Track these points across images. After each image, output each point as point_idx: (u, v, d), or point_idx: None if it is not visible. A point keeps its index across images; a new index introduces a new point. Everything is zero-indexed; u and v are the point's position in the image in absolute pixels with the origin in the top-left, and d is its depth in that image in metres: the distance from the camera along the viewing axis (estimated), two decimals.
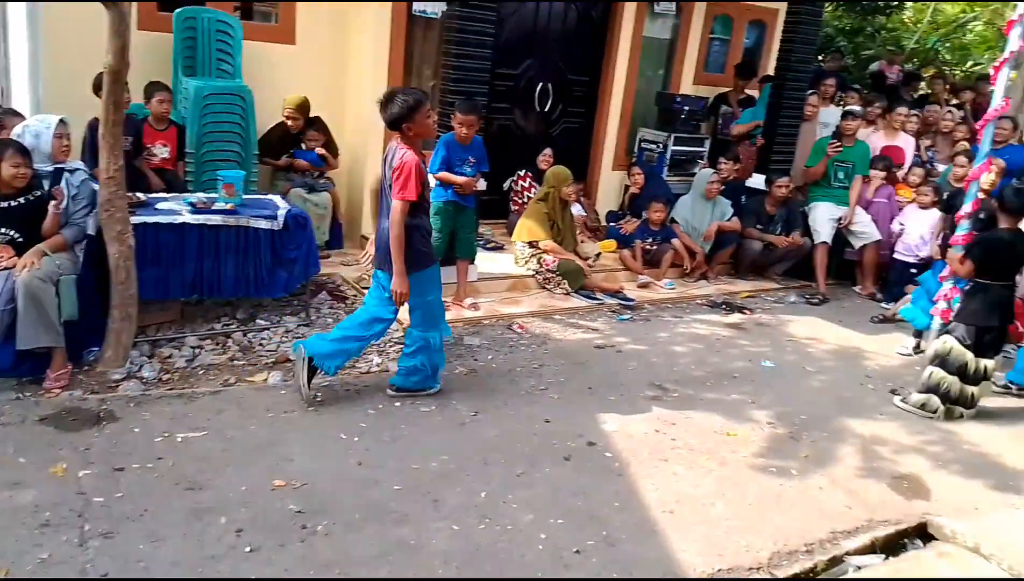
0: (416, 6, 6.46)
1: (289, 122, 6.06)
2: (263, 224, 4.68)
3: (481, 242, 6.56)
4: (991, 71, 4.58)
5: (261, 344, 4.66)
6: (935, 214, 6.38)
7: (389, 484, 3.29)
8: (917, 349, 5.52)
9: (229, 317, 4.93)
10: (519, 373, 4.58)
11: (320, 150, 6.14)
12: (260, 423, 3.71)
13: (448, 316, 5.19)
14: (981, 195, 4.76)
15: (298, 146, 6.15)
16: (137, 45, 4.31)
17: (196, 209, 4.56)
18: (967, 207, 4.65)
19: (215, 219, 4.54)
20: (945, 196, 6.15)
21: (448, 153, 5.14)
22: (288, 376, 4.25)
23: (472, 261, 5.62)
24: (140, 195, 4.64)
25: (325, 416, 3.84)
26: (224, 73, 5.87)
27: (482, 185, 5.60)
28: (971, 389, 4.54)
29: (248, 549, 2.80)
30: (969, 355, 4.52)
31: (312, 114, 6.20)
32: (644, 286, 6.51)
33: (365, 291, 5.57)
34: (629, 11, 7.63)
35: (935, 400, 4.59)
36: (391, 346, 4.82)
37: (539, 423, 3.98)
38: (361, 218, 6.74)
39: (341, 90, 6.69)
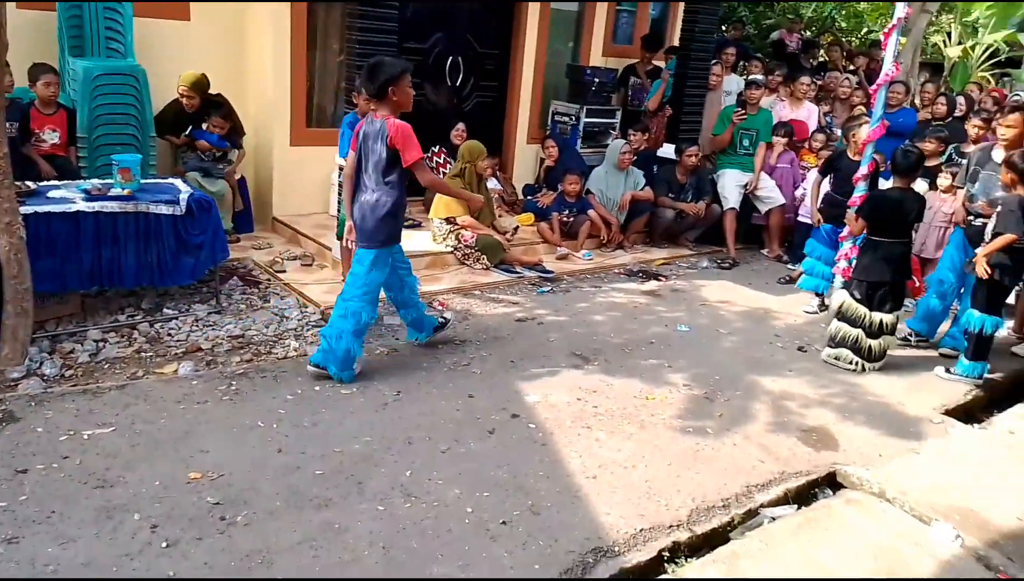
0: None
1: (184, 101, 5.78)
2: (164, 209, 4.48)
3: None
4: (882, 37, 4.76)
5: (170, 334, 4.48)
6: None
7: (311, 469, 3.23)
8: (822, 306, 5.77)
9: (134, 308, 4.72)
10: (441, 350, 4.56)
11: (218, 130, 5.88)
12: (172, 415, 3.58)
13: None
14: (852, 155, 4.93)
15: (197, 126, 5.88)
16: (18, 25, 4.07)
17: (91, 196, 4.33)
18: (863, 169, 4.86)
19: (112, 206, 4.32)
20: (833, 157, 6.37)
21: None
22: (200, 366, 4.11)
23: None
24: (29, 184, 4.38)
25: (241, 405, 3.73)
26: (114, 52, 5.57)
27: None
28: (870, 342, 4.78)
29: (164, 545, 2.71)
30: (863, 309, 4.75)
31: (214, 93, 5.94)
32: (563, 258, 6.57)
33: (278, 276, 5.46)
34: None
35: (847, 353, 4.82)
36: (309, 330, 4.72)
37: (462, 399, 3.98)
38: (271, 200, 6.54)
39: (241, 67, 6.45)
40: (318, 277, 5.55)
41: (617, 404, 4.09)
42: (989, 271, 4.47)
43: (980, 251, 4.51)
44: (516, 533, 2.94)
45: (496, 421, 3.78)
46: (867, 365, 4.81)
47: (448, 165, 6.79)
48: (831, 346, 4.90)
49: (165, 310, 4.74)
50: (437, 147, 6.99)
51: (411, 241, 6.13)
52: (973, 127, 6.00)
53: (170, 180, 5.01)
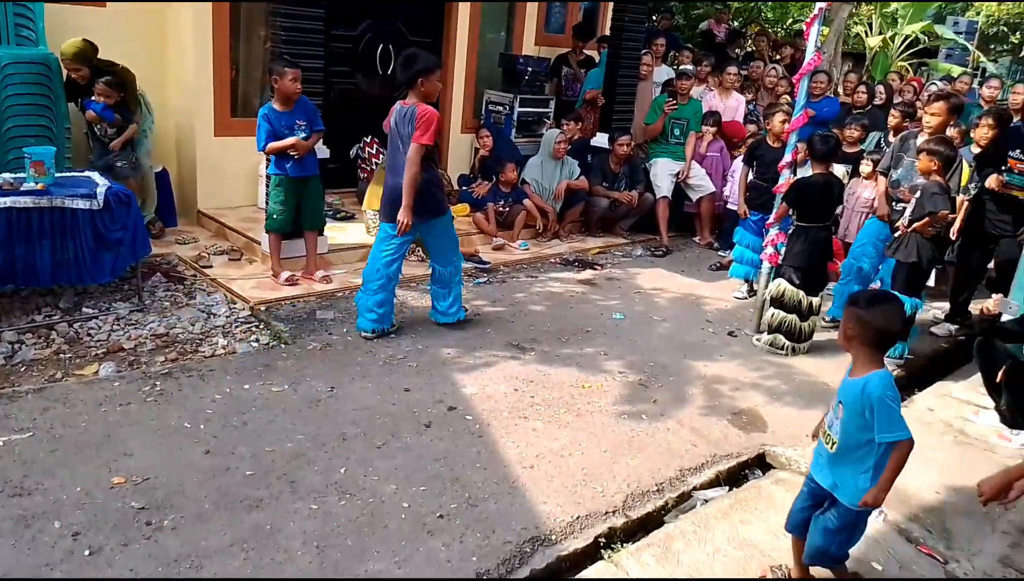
0: None
1: (73, 75, 5.36)
2: (81, 204, 4.28)
3: (330, 212, 6.37)
4: (804, 27, 4.88)
5: (89, 334, 4.30)
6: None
7: (241, 470, 3.15)
8: (751, 292, 5.91)
9: (51, 307, 4.52)
10: (375, 344, 4.50)
11: (104, 100, 5.30)
12: (93, 419, 3.43)
13: (298, 290, 5.07)
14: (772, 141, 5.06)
15: (89, 95, 5.39)
16: None
17: (2, 191, 4.11)
18: (787, 157, 4.98)
19: (24, 201, 4.11)
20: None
21: (272, 124, 4.89)
22: (122, 366, 3.96)
23: (321, 232, 5.44)
24: None
25: (166, 406, 3.61)
26: (25, 40, 5.27)
27: (324, 152, 5.40)
28: (803, 324, 4.94)
29: (87, 552, 2.61)
30: (801, 294, 4.91)
31: (111, 61, 5.46)
32: (499, 248, 6.56)
33: (204, 271, 5.29)
34: None
35: (781, 338, 4.97)
36: (236, 327, 4.59)
37: (398, 393, 3.94)
38: (196, 193, 6.33)
39: (161, 55, 6.21)
40: (247, 272, 5.40)
41: (554, 393, 4.11)
42: (927, 232, 4.61)
43: (917, 224, 4.62)
44: (453, 526, 2.93)
45: (433, 414, 3.75)
46: (797, 346, 4.96)
47: (381, 155, 6.69)
48: (767, 332, 5.03)
49: (84, 309, 4.54)
50: (370, 137, 6.88)
51: (345, 233, 6.08)
52: (893, 117, 6.21)
53: (86, 173, 4.80)
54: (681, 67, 7.90)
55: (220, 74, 6.16)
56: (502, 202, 6.80)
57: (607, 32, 8.34)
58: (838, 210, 5.66)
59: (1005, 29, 17.61)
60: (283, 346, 4.37)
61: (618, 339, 4.96)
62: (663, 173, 7.32)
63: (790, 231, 5.05)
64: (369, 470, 3.23)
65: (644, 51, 7.76)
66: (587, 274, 6.30)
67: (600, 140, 7.51)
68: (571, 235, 7.25)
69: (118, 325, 4.43)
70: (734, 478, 3.58)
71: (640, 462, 3.52)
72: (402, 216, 4.35)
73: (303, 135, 4.95)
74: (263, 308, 4.84)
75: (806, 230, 4.92)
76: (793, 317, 4.95)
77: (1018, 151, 5.11)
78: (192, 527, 2.79)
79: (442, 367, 4.29)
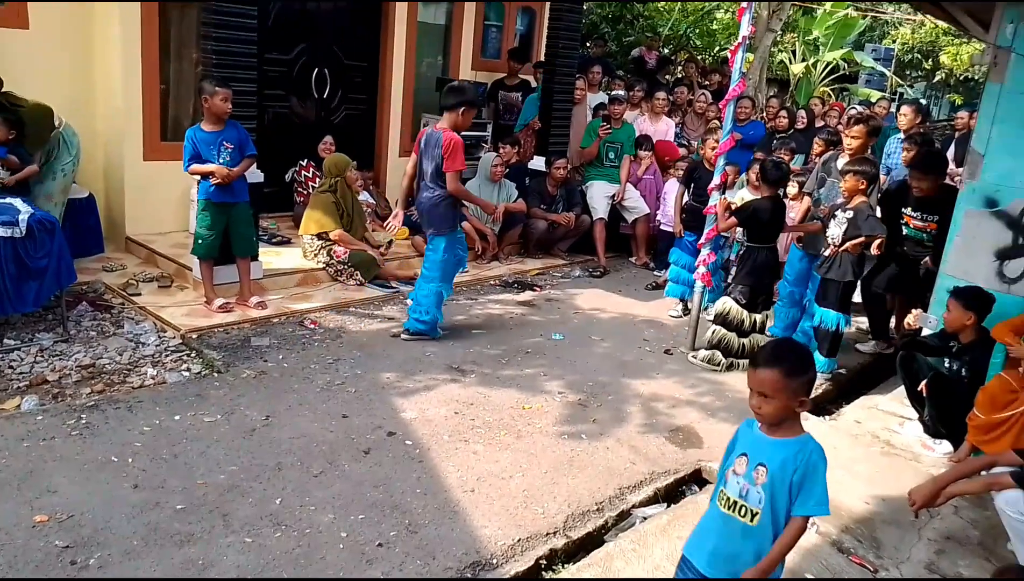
0: None
1: None
2: (1, 231, 4.12)
3: (266, 237, 6.27)
4: (729, 55, 5.06)
5: (11, 366, 4.13)
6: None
7: (171, 504, 3.05)
8: (685, 311, 6.04)
9: None
10: (313, 370, 4.43)
11: None
12: (14, 454, 3.28)
13: (231, 317, 4.96)
14: (707, 166, 5.25)
15: None
16: None
17: None
18: (716, 179, 5.13)
19: None
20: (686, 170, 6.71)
21: (196, 146, 4.82)
22: (46, 399, 3.80)
23: (254, 258, 5.35)
24: None
25: (92, 440, 3.47)
26: None
27: (258, 176, 5.32)
28: (743, 341, 5.07)
29: None
30: (745, 313, 5.04)
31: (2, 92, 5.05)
32: None
33: (132, 299, 5.14)
34: None
35: (719, 355, 5.09)
36: (167, 356, 4.46)
37: (336, 420, 3.88)
38: (124, 219, 6.15)
39: (88, 78, 6.05)
40: (178, 299, 5.27)
41: (494, 415, 4.11)
42: (854, 251, 4.79)
43: (849, 244, 4.80)
44: (393, 554, 2.89)
45: (372, 440, 3.71)
46: (736, 362, 5.08)
47: (317, 178, 6.63)
48: (707, 348, 5.14)
49: (6, 340, 4.36)
50: (305, 161, 6.82)
51: (280, 258, 5.99)
52: (817, 145, 6.47)
53: (8, 200, 4.61)
54: (614, 93, 8.08)
55: (150, 97, 6.04)
56: None
57: (542, 58, 8.47)
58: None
59: (919, 56, 18.56)
60: (216, 375, 4.27)
61: (558, 359, 5.00)
62: (599, 195, 7.44)
63: (740, 252, 5.20)
64: (306, 500, 3.17)
65: (578, 76, 7.91)
66: (526, 295, 6.34)
67: (537, 163, 7.60)
68: (510, 257, 7.29)
69: (42, 356, 4.26)
70: (672, 494, 3.63)
71: (580, 482, 3.54)
72: (489, 210, 5.66)
73: (228, 158, 4.88)
74: (195, 336, 4.72)
75: (755, 251, 5.06)
76: (732, 335, 5.08)
77: (909, 208, 5.33)
78: (120, 565, 2.69)
79: (381, 392, 4.25)
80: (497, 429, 3.97)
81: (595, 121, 7.61)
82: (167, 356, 4.48)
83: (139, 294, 5.27)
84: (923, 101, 16.52)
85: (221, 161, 4.86)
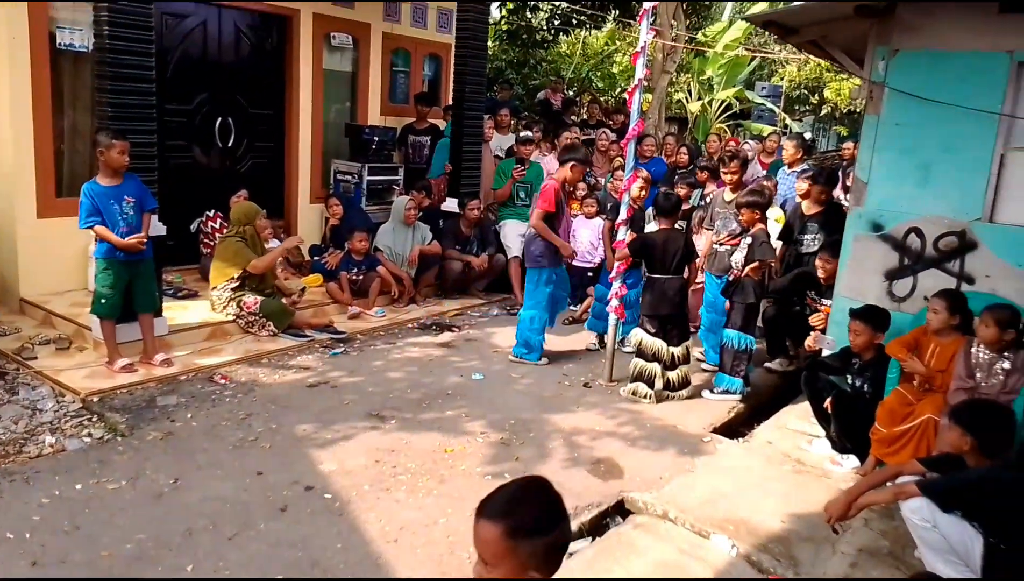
0: (60, 38, 5.78)
1: None
2: None
3: (171, 291, 6.06)
4: (627, 96, 5.26)
5: None
6: (599, 222, 7.13)
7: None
8: (601, 343, 6.14)
9: None
10: (224, 427, 4.28)
11: None
12: None
13: (135, 377, 4.76)
14: (633, 204, 5.46)
15: None
16: None
17: None
18: (623, 214, 5.29)
19: None
20: (609, 206, 6.93)
21: (95, 201, 4.65)
22: None
23: (158, 313, 5.15)
24: None
25: None
26: None
27: (160, 229, 5.15)
28: (671, 374, 5.15)
29: None
30: (660, 343, 5.13)
31: None
32: (355, 317, 6.47)
33: (27, 363, 4.87)
34: (305, 43, 7.58)
35: (643, 387, 5.15)
36: (66, 422, 4.23)
37: (250, 478, 3.75)
38: (17, 280, 5.83)
39: None
40: (77, 361, 5.01)
41: (416, 461, 4.06)
42: (757, 276, 5.10)
43: (748, 269, 5.11)
44: None
45: (289, 497, 3.59)
46: (673, 395, 5.17)
47: (224, 229, 6.47)
48: (630, 381, 5.21)
49: None
50: (212, 211, 6.65)
51: (187, 312, 5.80)
52: (700, 175, 6.94)
53: None
54: (522, 133, 8.24)
55: (42, 153, 5.80)
56: (355, 270, 6.73)
57: (450, 102, 8.59)
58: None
59: (806, 91, 19.72)
60: (120, 438, 4.07)
61: (479, 399, 4.99)
62: (512, 234, 7.53)
63: (643, 283, 5.34)
64: (220, 564, 3.03)
65: (488, 117, 8.05)
66: (445, 337, 6.32)
67: (450, 205, 7.65)
68: (427, 299, 7.27)
69: None
70: (596, 527, 3.64)
71: None
72: (564, 250, 5.73)
73: (130, 213, 4.75)
74: (96, 399, 4.50)
75: (653, 281, 5.20)
76: (654, 366, 5.11)
77: (813, 291, 5.59)
78: None
79: (298, 445, 4.13)
80: (419, 475, 3.91)
81: (506, 163, 7.74)
82: (67, 422, 4.25)
83: (35, 358, 4.99)
84: (809, 134, 17.52)
85: (123, 216, 4.71)
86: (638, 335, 5.23)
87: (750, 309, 5.19)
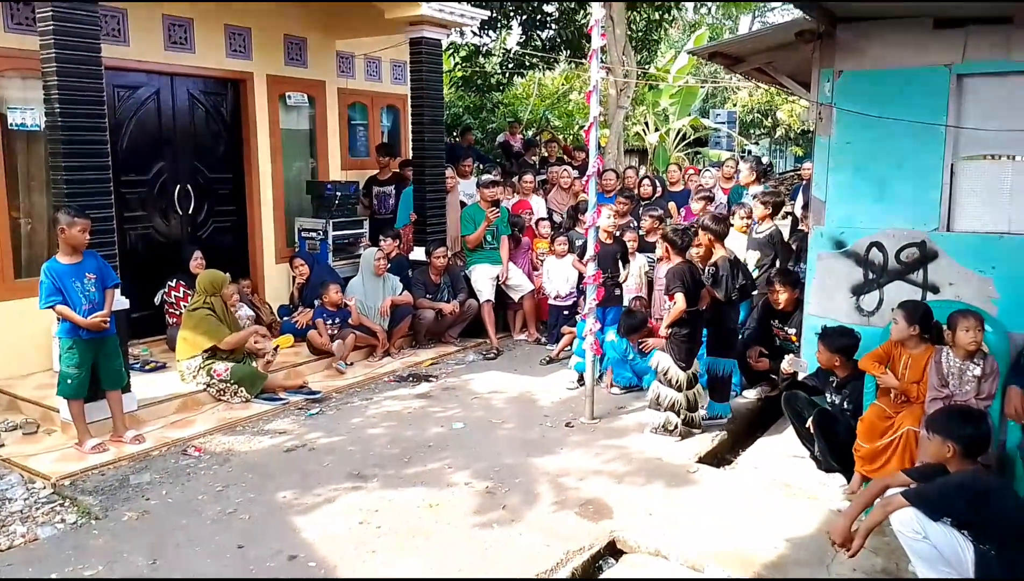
0: (12, 119, 5.74)
1: None
2: None
3: (138, 365, 5.94)
4: (584, 134, 5.32)
5: None
6: (570, 260, 7.13)
7: None
8: (580, 382, 6.12)
9: None
10: (201, 501, 4.16)
11: None
12: None
13: (107, 456, 4.66)
14: (604, 237, 5.49)
15: None
16: None
17: None
18: (591, 249, 5.31)
19: None
20: (579, 245, 6.97)
21: (55, 281, 4.56)
22: None
23: (126, 389, 5.03)
24: None
25: None
26: None
27: (123, 302, 5.06)
28: (686, 395, 5.05)
29: None
30: (683, 374, 5.03)
31: None
32: (340, 372, 6.39)
33: None
34: (261, 106, 7.59)
35: (673, 417, 5.02)
36: (37, 509, 4.09)
37: (231, 552, 3.63)
38: None
39: None
40: (46, 445, 4.86)
41: (401, 519, 3.97)
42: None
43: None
44: None
45: (272, 569, 3.49)
46: (695, 417, 5.09)
47: (188, 298, 6.37)
48: (664, 409, 5.04)
49: None
50: (174, 281, 6.53)
51: (155, 386, 5.67)
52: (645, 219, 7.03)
53: None
54: (483, 177, 8.30)
55: None
56: (331, 321, 6.67)
57: (410, 150, 8.63)
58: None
59: (759, 115, 20.18)
60: (94, 522, 3.94)
61: (461, 449, 4.92)
62: (483, 278, 7.53)
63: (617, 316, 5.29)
64: None
65: (447, 165, 8.09)
66: (423, 387, 6.26)
67: (418, 254, 7.64)
68: (402, 350, 7.21)
69: None
70: (589, 571, 3.58)
71: (496, 575, 3.44)
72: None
73: (92, 289, 4.67)
74: (67, 483, 4.36)
75: (692, 313, 5.03)
76: (680, 395, 5.02)
77: (776, 321, 5.66)
78: None
79: (279, 513, 4.03)
80: (405, 533, 3.82)
81: (470, 207, 7.76)
82: (38, 509, 4.11)
83: (2, 445, 4.84)
84: (763, 157, 17.90)
85: (85, 293, 4.64)
86: (667, 363, 5.05)
87: (729, 333, 5.23)
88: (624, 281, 6.64)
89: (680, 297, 4.93)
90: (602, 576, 3.53)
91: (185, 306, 6.26)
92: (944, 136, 4.46)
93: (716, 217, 5.43)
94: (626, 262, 6.64)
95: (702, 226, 5.23)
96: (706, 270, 5.21)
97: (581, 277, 6.14)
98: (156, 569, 3.48)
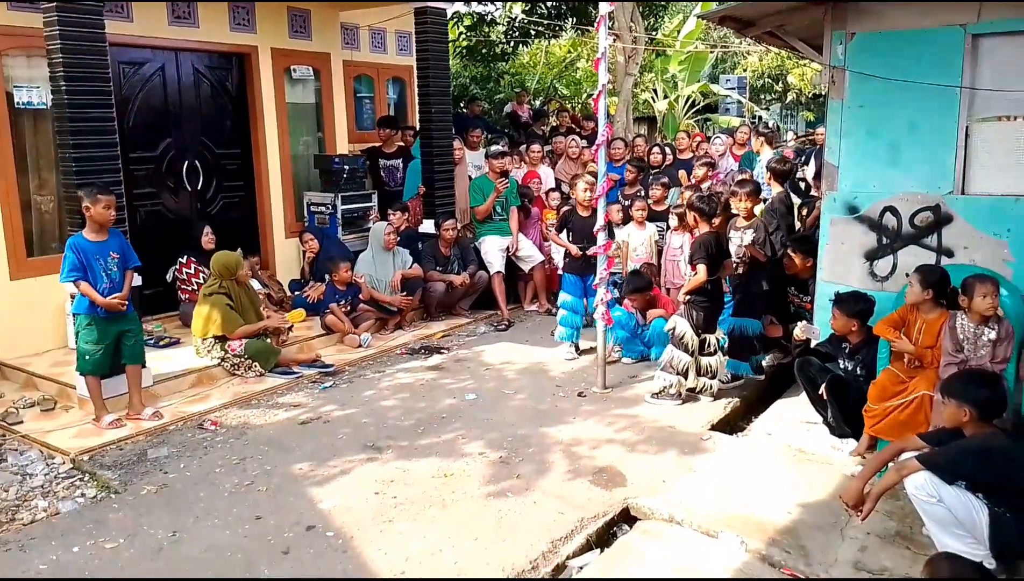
0: (18, 97, 5.73)
1: None
2: None
3: (152, 340, 5.98)
4: (592, 102, 5.27)
5: None
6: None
7: None
8: (578, 350, 6.15)
9: None
10: (219, 474, 4.21)
11: None
12: None
13: (124, 431, 4.70)
14: (581, 210, 5.47)
15: None
16: None
17: None
18: (600, 221, 5.28)
19: None
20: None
21: (80, 256, 4.59)
22: None
23: (143, 364, 5.07)
24: None
25: None
26: None
27: (136, 279, 5.09)
28: (705, 360, 5.09)
29: None
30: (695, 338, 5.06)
31: None
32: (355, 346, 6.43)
33: (13, 429, 4.80)
34: (266, 80, 7.55)
35: (675, 381, 5.04)
36: (58, 484, 4.15)
37: (249, 523, 3.68)
38: None
39: None
40: (64, 421, 4.92)
41: (417, 489, 4.01)
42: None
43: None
44: None
45: (290, 539, 3.53)
46: (711, 384, 5.13)
47: (201, 274, 6.39)
48: (675, 374, 5.06)
49: None
50: (185, 257, 6.54)
51: (171, 361, 5.71)
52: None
53: None
54: (492, 148, 8.24)
55: (9, 215, 5.75)
56: (343, 301, 6.69)
57: (417, 123, 8.58)
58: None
59: (770, 80, 19.92)
60: (114, 496, 4.00)
61: (474, 420, 4.95)
62: (493, 249, 7.51)
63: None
64: None
65: (455, 137, 8.04)
66: (435, 359, 6.28)
67: (427, 226, 7.62)
68: (413, 323, 7.23)
69: None
70: (603, 538, 3.61)
71: (512, 543, 3.47)
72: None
73: (115, 269, 4.70)
74: (86, 458, 4.42)
75: (712, 281, 5.07)
76: (691, 359, 5.07)
77: (792, 288, 5.67)
78: None
79: (295, 485, 4.08)
80: (421, 503, 3.86)
81: (479, 179, 7.72)
82: (58, 484, 4.16)
83: (20, 422, 4.90)
84: (772, 122, 17.68)
85: (108, 271, 4.67)
86: (683, 328, 5.06)
87: (755, 296, 5.28)
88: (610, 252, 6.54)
89: (702, 268, 4.93)
90: (616, 541, 3.55)
91: (197, 282, 6.29)
92: (959, 98, 4.39)
93: (744, 181, 5.53)
94: (612, 235, 6.49)
95: (733, 192, 5.35)
96: (744, 233, 5.33)
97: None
98: (176, 540, 3.53)
